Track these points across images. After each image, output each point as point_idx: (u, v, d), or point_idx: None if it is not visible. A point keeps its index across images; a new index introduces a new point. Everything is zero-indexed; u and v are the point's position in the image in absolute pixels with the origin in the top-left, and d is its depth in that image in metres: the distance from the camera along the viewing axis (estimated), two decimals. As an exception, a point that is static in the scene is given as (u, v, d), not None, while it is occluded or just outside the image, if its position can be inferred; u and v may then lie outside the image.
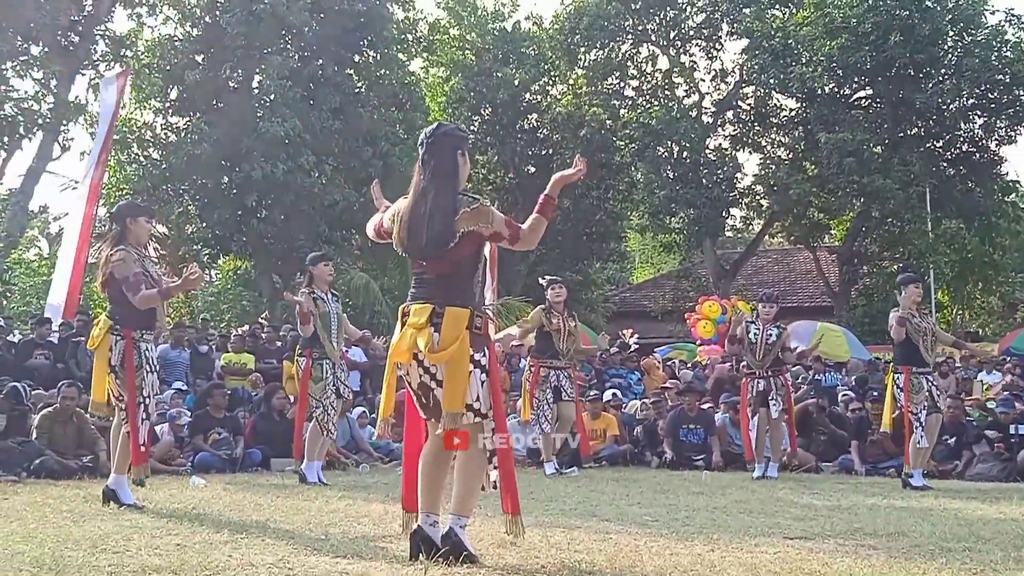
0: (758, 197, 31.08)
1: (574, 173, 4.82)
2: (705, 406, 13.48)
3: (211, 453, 10.78)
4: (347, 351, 14.16)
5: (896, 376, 9.70)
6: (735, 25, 29.55)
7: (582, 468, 11.31)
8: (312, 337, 9.17)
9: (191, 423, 11.36)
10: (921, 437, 9.51)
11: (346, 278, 23.11)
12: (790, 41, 26.72)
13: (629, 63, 31.55)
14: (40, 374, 12.35)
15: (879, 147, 26.75)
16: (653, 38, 31.23)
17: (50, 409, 10.02)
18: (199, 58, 24.00)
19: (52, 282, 17.54)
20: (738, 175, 30.33)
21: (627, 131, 29.51)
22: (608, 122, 29.81)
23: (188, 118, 24.68)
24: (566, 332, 10.69)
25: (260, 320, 19.16)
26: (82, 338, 12.74)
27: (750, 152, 31.51)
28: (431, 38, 30.63)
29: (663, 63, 31.68)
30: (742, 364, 11.74)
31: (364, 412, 12.68)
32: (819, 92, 27.56)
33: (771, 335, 10.83)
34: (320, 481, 9.10)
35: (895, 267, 27.24)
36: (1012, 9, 27.31)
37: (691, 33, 31.02)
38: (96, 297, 24.56)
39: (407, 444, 4.99)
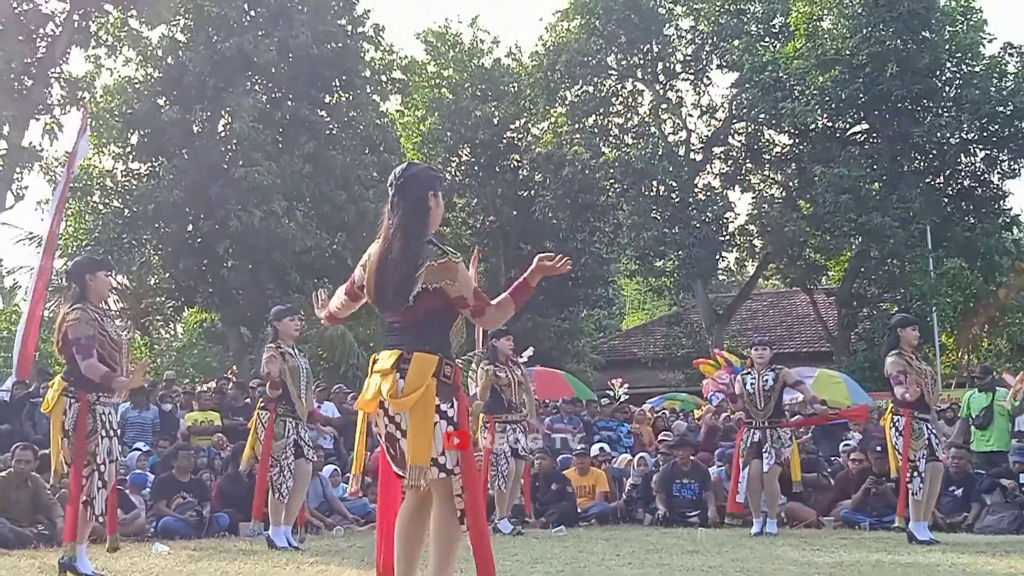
0: (751, 237, 31.22)
1: (558, 266, 4.76)
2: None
3: (175, 518, 10.69)
4: (320, 407, 14.13)
5: (896, 419, 9.54)
6: (724, 58, 29.81)
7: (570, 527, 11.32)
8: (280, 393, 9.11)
9: (154, 487, 11.27)
10: (919, 488, 9.44)
11: (320, 329, 23.05)
12: (781, 74, 26.96)
13: (613, 99, 31.75)
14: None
15: (877, 183, 26.92)
16: (638, 74, 31.49)
17: (3, 474, 9.92)
18: (161, 101, 24.06)
19: (16, 339, 17.37)
20: (729, 215, 30.47)
21: (611, 170, 29.66)
22: (591, 161, 30.01)
23: (150, 164, 24.69)
24: (516, 383, 10.67)
25: (227, 376, 19.10)
26: (38, 399, 12.66)
27: (741, 191, 31.69)
28: (406, 79, 30.80)
29: (648, 99, 31.94)
30: (737, 413, 11.69)
31: (336, 471, 12.61)
32: (812, 127, 27.79)
33: (767, 380, 10.81)
34: (291, 545, 9.03)
35: (895, 309, 27.33)
36: (1010, 42, 27.39)
37: (677, 68, 31.31)
38: (53, 356, 24.44)
39: (381, 503, 4.91)
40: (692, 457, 12.88)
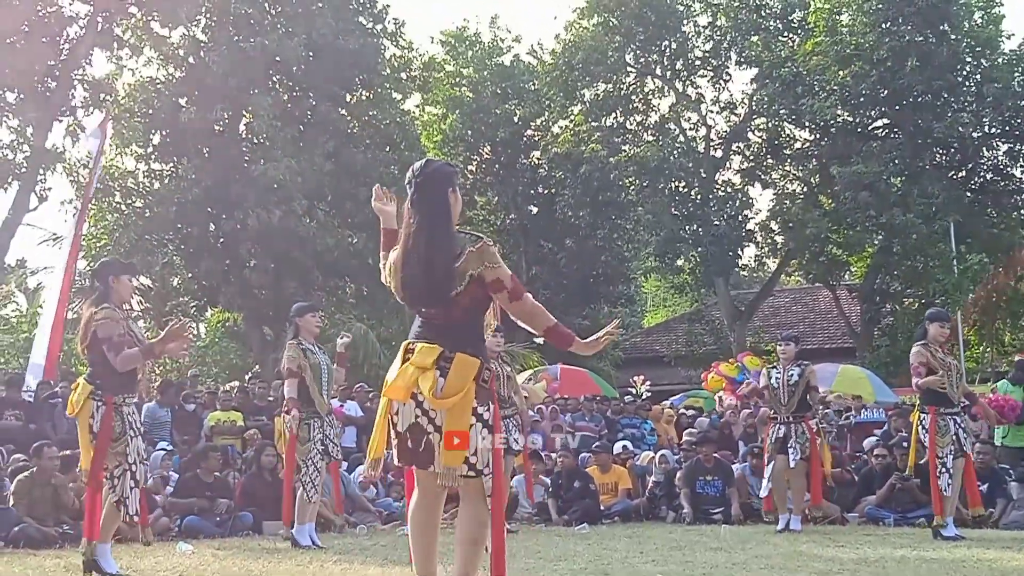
0: (772, 234, 31.10)
1: (604, 337, 4.84)
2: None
3: (199, 517, 10.70)
4: (342, 405, 14.14)
5: (922, 416, 9.54)
6: (743, 54, 29.71)
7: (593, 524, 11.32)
8: (299, 393, 9.07)
9: (178, 487, 11.28)
10: (948, 484, 9.38)
11: (342, 328, 23.05)
12: (801, 70, 26.87)
13: (633, 97, 31.67)
14: (10, 436, 12.24)
15: (898, 179, 26.78)
16: (657, 71, 31.38)
17: (27, 473, 9.93)
18: (182, 101, 24.10)
19: (35, 339, 17.45)
20: (749, 211, 30.40)
21: (630, 168, 29.58)
22: (610, 159, 29.93)
23: (172, 164, 24.74)
24: (504, 377, 10.69)
25: (253, 373, 19.13)
26: (59, 400, 12.70)
27: (762, 187, 31.58)
28: (426, 76, 30.78)
29: (667, 96, 31.82)
30: (762, 410, 11.65)
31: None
32: (833, 123, 27.65)
33: (792, 375, 10.79)
34: (314, 544, 9.01)
35: (918, 305, 27.18)
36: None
37: (697, 64, 31.19)
38: (77, 356, 24.51)
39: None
40: (715, 454, 12.85)
